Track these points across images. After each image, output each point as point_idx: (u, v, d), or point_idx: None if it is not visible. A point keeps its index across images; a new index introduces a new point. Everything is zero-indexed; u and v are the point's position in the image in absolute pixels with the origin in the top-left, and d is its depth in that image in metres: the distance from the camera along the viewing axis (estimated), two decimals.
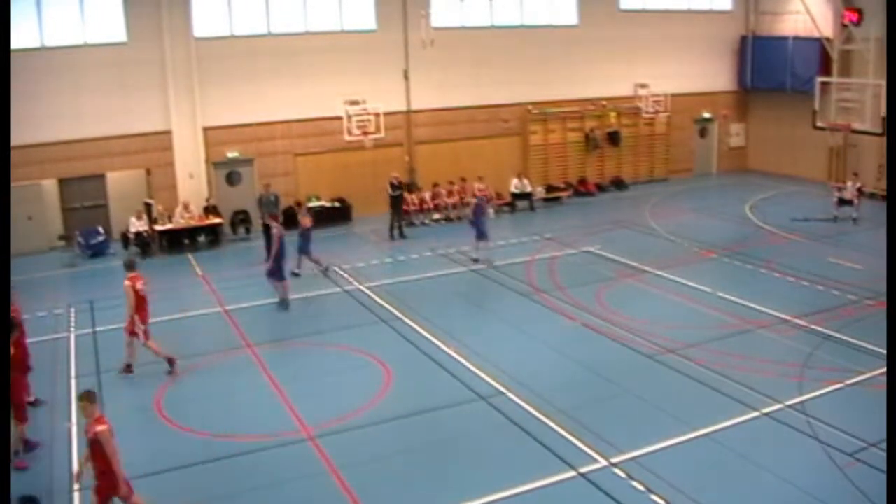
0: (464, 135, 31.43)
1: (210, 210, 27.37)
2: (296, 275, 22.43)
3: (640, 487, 11.47)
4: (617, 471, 11.96)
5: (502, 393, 14.78)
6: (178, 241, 26.51)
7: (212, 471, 12.40)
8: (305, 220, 23.18)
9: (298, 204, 27.97)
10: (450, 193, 30.22)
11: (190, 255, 25.77)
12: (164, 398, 14.99)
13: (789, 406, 14.04)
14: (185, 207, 26.73)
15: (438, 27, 29.71)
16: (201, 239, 27.04)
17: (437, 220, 29.60)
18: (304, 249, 22.87)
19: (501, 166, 31.82)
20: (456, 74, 30.78)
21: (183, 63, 26.76)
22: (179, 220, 26.57)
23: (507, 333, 18.12)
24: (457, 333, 17.84)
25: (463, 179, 30.34)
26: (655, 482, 11.57)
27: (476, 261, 23.60)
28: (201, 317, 19.98)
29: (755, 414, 13.80)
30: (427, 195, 30.02)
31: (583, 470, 12.01)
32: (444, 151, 31.00)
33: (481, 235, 23.85)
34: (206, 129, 27.57)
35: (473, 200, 25.63)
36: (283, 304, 20.23)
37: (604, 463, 12.18)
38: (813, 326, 17.94)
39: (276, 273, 20.40)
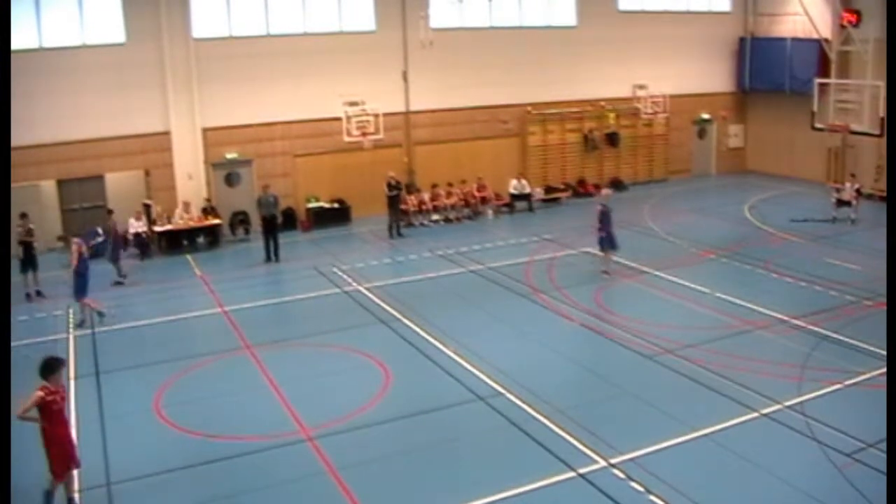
0: (463, 136, 31.47)
1: (209, 211, 27.40)
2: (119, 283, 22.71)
3: (639, 488, 11.48)
4: (616, 471, 11.97)
5: (501, 393, 14.80)
6: (177, 241, 26.54)
7: (211, 472, 12.41)
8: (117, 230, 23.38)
9: (110, 212, 24.62)
10: (448, 195, 30.24)
11: (189, 256, 25.80)
12: (162, 399, 15.00)
13: (788, 407, 14.06)
14: (185, 208, 26.75)
15: (437, 28, 29.75)
16: (200, 240, 27.07)
17: (436, 221, 29.63)
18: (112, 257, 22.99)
19: (500, 167, 31.88)
20: (455, 75, 30.80)
21: (182, 64, 26.79)
22: (178, 221, 26.59)
23: (506, 334, 18.14)
24: (456, 334, 17.86)
25: (463, 181, 30.41)
26: (654, 483, 11.58)
27: (606, 273, 22.30)
28: (200, 318, 20.02)
29: (754, 414, 13.82)
30: (426, 196, 30.05)
31: (582, 470, 12.02)
32: (443, 152, 31.03)
33: (609, 244, 22.39)
34: (204, 130, 27.60)
35: (598, 207, 22.78)
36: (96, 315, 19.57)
37: (603, 463, 12.19)
38: (811, 327, 17.97)
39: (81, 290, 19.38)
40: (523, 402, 14.40)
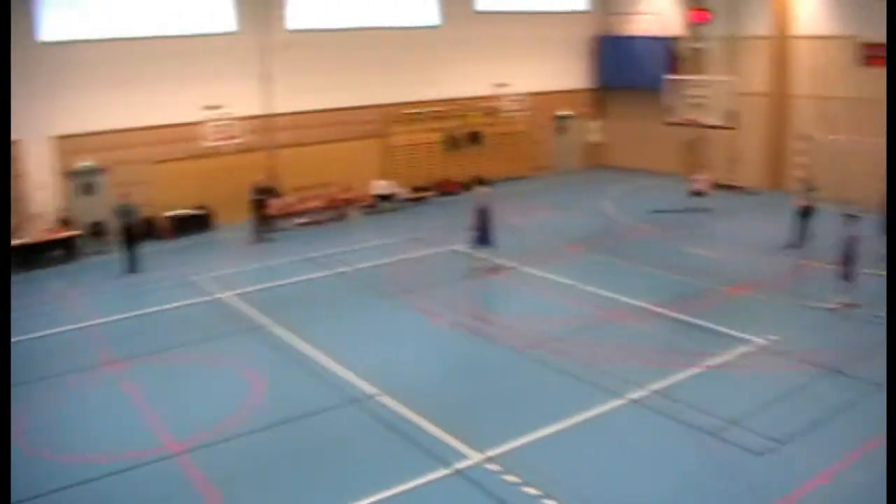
0: (326, 138, 31.15)
1: (63, 223, 26.27)
2: None
3: (515, 480, 11.60)
4: (491, 465, 12.07)
5: (374, 396, 14.70)
6: (30, 256, 25.31)
7: (70, 496, 11.85)
8: None
9: None
10: (314, 198, 29.90)
11: (44, 270, 24.64)
12: (17, 425, 14.28)
13: (654, 391, 14.50)
14: (36, 220, 25.55)
15: (299, 29, 29.40)
16: (56, 253, 25.91)
17: (302, 225, 29.23)
18: None
19: (365, 168, 31.77)
20: (317, 77, 30.44)
21: (30, 69, 25.54)
22: (31, 235, 25.39)
23: (377, 336, 18.05)
24: (326, 338, 17.66)
25: (328, 184, 30.12)
26: (529, 474, 11.73)
27: (479, 271, 22.40)
28: (57, 335, 19.08)
29: (622, 401, 14.19)
30: (291, 200, 29.63)
31: (458, 466, 12.07)
32: (307, 155, 30.64)
33: (485, 242, 22.49)
34: (56, 138, 26.41)
35: (476, 205, 22.99)
36: None
37: (478, 458, 12.27)
38: (673, 314, 18.59)
39: None
40: (396, 402, 14.36)
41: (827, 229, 21.57)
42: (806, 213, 23.71)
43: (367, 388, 15.04)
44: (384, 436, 13.30)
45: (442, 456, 12.43)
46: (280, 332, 18.33)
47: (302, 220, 29.35)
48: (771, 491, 11.33)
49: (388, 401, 14.46)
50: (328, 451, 12.92)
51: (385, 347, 17.30)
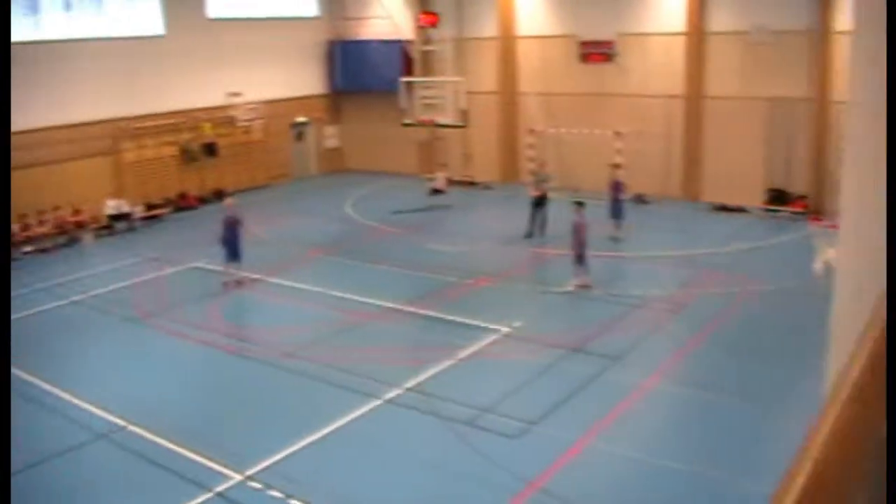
0: (51, 158, 29.20)
1: None
2: None
3: (278, 495, 11.45)
4: (253, 483, 11.83)
5: (123, 427, 13.95)
6: None
7: None
8: None
9: None
10: (40, 223, 27.99)
11: None
12: None
13: (408, 389, 14.76)
14: None
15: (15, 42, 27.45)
16: None
17: (27, 253, 27.18)
18: None
19: (95, 188, 30.06)
20: (35, 93, 28.45)
21: None
22: None
23: (123, 364, 17.13)
24: (66, 373, 16.57)
25: (56, 207, 28.26)
26: (292, 487, 11.61)
27: (227, 285, 21.68)
28: None
29: (378, 402, 14.34)
30: (15, 227, 27.52)
31: (219, 489, 11.75)
32: (29, 177, 28.59)
33: (233, 256, 21.69)
34: None
35: (224, 217, 22.21)
36: None
37: (238, 478, 11.99)
38: (420, 311, 19.00)
39: None
40: (148, 431, 13.71)
41: (560, 217, 22.83)
42: (539, 202, 24.95)
43: (116, 420, 14.24)
44: (138, 468, 12.67)
45: (201, 480, 12.02)
46: (15, 372, 16.96)
47: (27, 248, 27.30)
48: (529, 470, 11.85)
49: (139, 431, 13.77)
50: (80, 492, 12.13)
51: (132, 375, 16.44)
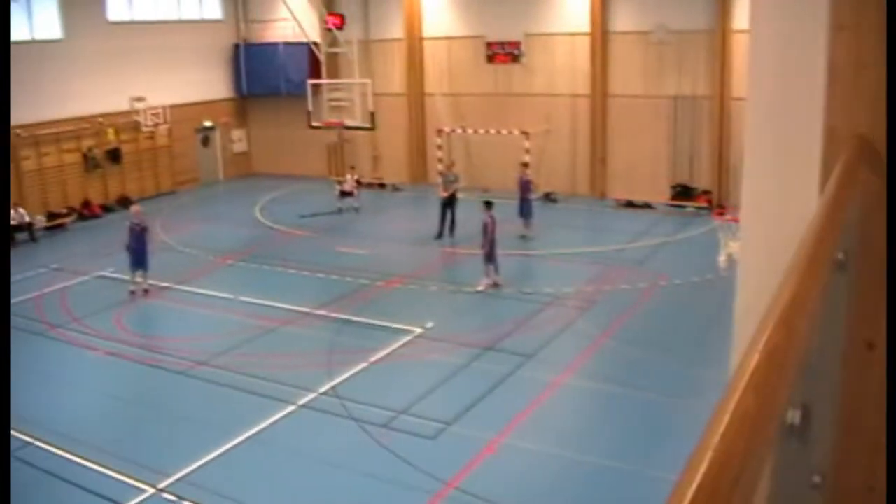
0: None
1: None
2: None
3: None
4: (166, 495, 11.63)
5: (30, 443, 13.50)
6: None
7: None
8: None
9: None
10: None
11: None
12: None
13: (322, 393, 14.69)
14: None
15: None
16: None
17: None
18: None
19: None
20: None
21: None
22: None
23: (27, 379, 16.48)
24: None
25: None
26: (207, 497, 11.45)
27: (133, 293, 21.18)
28: None
29: (292, 407, 14.23)
30: None
31: (131, 503, 11.47)
32: None
33: (139, 263, 21.18)
34: None
35: (129, 224, 21.69)
36: None
37: (151, 491, 11.76)
38: (333, 314, 18.91)
39: None
40: (55, 447, 13.30)
41: (470, 217, 22.97)
42: (448, 203, 25.05)
43: (21, 436, 13.74)
44: (45, 485, 12.30)
45: (113, 495, 11.74)
46: None
47: None
48: (446, 469, 11.90)
49: (45, 446, 13.36)
50: None
51: (38, 389, 15.87)
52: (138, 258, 21.16)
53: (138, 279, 21.25)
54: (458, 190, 25.62)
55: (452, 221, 25.02)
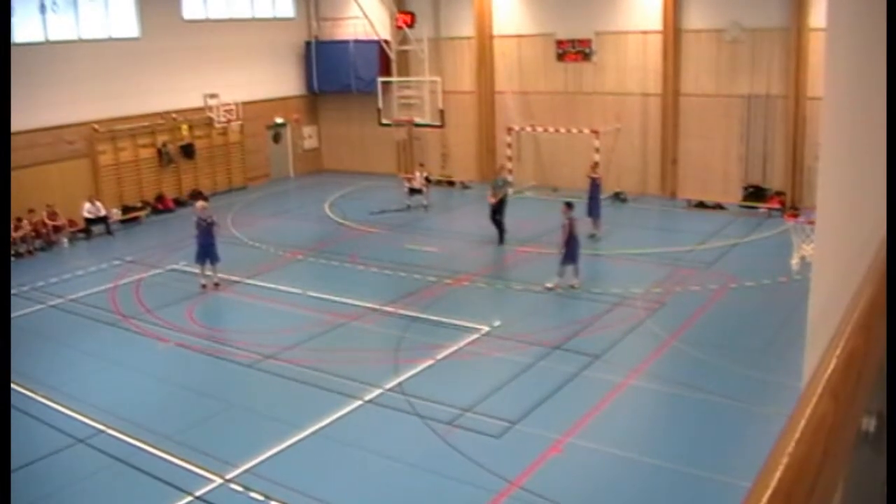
0: (26, 162, 28.96)
1: None
2: None
3: (259, 497, 11.41)
4: (233, 486, 11.79)
5: (101, 431, 13.85)
6: None
7: None
8: None
9: None
10: (16, 228, 27.74)
11: None
12: None
13: (388, 389, 14.74)
14: None
15: None
16: None
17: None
18: None
19: (71, 191, 29.83)
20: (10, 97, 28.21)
21: None
22: None
23: (99, 367, 17.02)
24: (43, 377, 16.38)
25: (31, 211, 28.00)
26: (273, 488, 11.57)
27: (204, 287, 21.61)
28: None
29: (358, 402, 14.32)
30: None
31: (198, 493, 11.68)
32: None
33: (208, 257, 21.59)
34: None
35: (195, 220, 21.98)
36: None
37: (218, 481, 11.93)
38: (401, 311, 18.98)
39: None
40: (126, 435, 13.62)
41: (540, 215, 22.86)
42: (497, 209, 24.40)
43: (93, 423, 14.14)
44: (116, 471, 12.58)
45: (181, 484, 11.96)
46: None
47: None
48: (511, 468, 11.87)
49: (116, 434, 13.69)
50: (58, 497, 12.04)
51: (109, 378, 16.34)
52: (207, 252, 21.53)
53: (208, 272, 21.62)
54: (507, 195, 25.05)
55: (502, 229, 24.44)
